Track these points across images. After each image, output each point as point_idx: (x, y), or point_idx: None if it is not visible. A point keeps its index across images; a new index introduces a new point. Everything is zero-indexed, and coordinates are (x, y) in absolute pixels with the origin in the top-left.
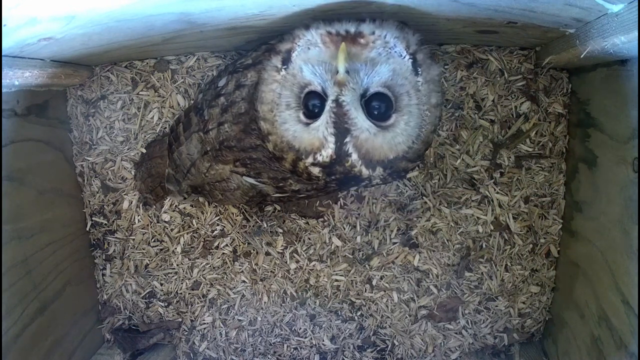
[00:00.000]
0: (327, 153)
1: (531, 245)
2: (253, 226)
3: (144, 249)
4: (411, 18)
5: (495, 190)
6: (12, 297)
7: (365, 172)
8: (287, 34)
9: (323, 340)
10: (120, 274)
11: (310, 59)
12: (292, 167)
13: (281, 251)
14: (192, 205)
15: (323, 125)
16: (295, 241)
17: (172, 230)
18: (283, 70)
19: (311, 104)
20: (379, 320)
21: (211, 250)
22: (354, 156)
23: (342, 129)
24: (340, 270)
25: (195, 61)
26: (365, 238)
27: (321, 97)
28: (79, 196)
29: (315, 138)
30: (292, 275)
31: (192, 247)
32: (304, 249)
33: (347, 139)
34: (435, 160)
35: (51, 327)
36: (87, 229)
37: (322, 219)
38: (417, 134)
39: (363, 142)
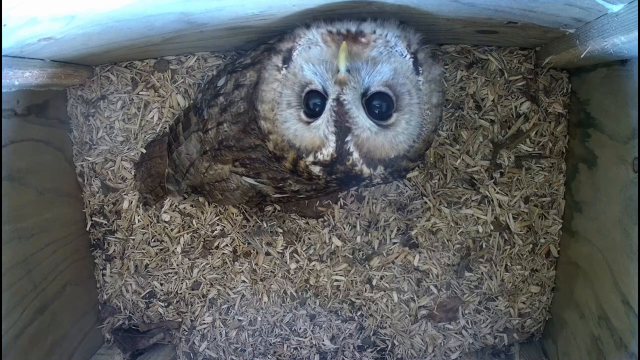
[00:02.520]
0: (327, 152)
1: (531, 245)
2: (253, 226)
3: (144, 249)
4: (411, 18)
5: (495, 190)
6: (12, 297)
7: (366, 171)
8: (287, 33)
9: (323, 340)
10: (120, 274)
11: (311, 58)
12: (292, 167)
13: (281, 251)
14: (192, 205)
15: (324, 124)
16: (295, 241)
17: (172, 230)
18: (284, 69)
19: (312, 103)
20: (379, 320)
21: (211, 250)
22: (355, 155)
23: (343, 128)
24: (340, 270)
25: (195, 61)
26: (365, 238)
27: (322, 96)
28: (79, 196)
29: (316, 137)
30: (292, 275)
31: (192, 247)
32: (304, 249)
33: (348, 138)
34: (435, 160)
35: (51, 327)
36: (87, 229)
37: (322, 219)
38: (418, 133)
39: (364, 141)
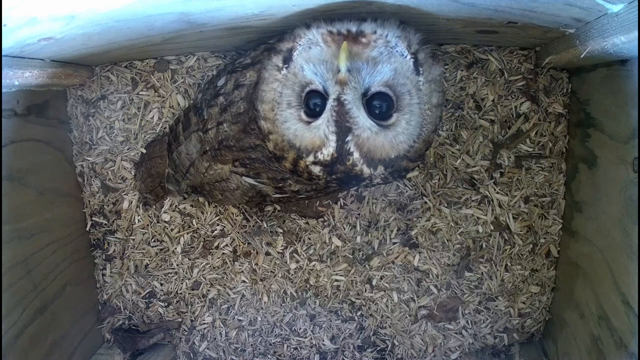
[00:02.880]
0: (328, 151)
1: (531, 245)
2: (253, 226)
3: (144, 249)
4: (411, 18)
5: (495, 190)
6: (12, 297)
7: (366, 171)
8: (287, 33)
9: (323, 340)
10: (120, 274)
11: (312, 58)
12: (292, 167)
13: (281, 251)
14: (192, 205)
15: (324, 124)
16: (295, 241)
17: (172, 230)
18: (284, 69)
19: (312, 103)
20: (379, 320)
21: (211, 250)
22: (356, 155)
23: (343, 128)
24: (340, 270)
25: (195, 61)
26: (365, 238)
27: (322, 96)
28: (79, 196)
29: (316, 137)
30: (292, 275)
31: (192, 247)
32: (304, 249)
33: (349, 138)
34: (435, 160)
35: (51, 327)
36: (87, 229)
37: (322, 219)
38: (418, 133)
39: (364, 140)
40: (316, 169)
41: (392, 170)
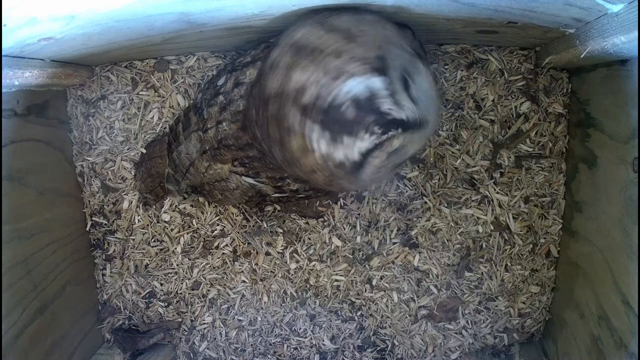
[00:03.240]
0: (398, 114)
1: (531, 245)
2: (253, 226)
3: (144, 249)
4: (411, 18)
5: (495, 190)
6: (12, 297)
7: (361, 145)
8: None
9: (323, 340)
10: (120, 274)
11: (408, 55)
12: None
13: (281, 251)
14: (192, 205)
15: (404, 95)
16: (295, 241)
17: (172, 230)
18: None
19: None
20: (379, 320)
21: (211, 250)
22: (384, 136)
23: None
24: (340, 270)
25: (195, 61)
26: (365, 238)
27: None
28: (79, 196)
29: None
30: (292, 275)
31: (192, 247)
32: (304, 249)
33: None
34: (435, 160)
35: (51, 327)
36: (87, 229)
37: (322, 219)
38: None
39: (403, 142)
40: (352, 92)
41: (356, 172)
